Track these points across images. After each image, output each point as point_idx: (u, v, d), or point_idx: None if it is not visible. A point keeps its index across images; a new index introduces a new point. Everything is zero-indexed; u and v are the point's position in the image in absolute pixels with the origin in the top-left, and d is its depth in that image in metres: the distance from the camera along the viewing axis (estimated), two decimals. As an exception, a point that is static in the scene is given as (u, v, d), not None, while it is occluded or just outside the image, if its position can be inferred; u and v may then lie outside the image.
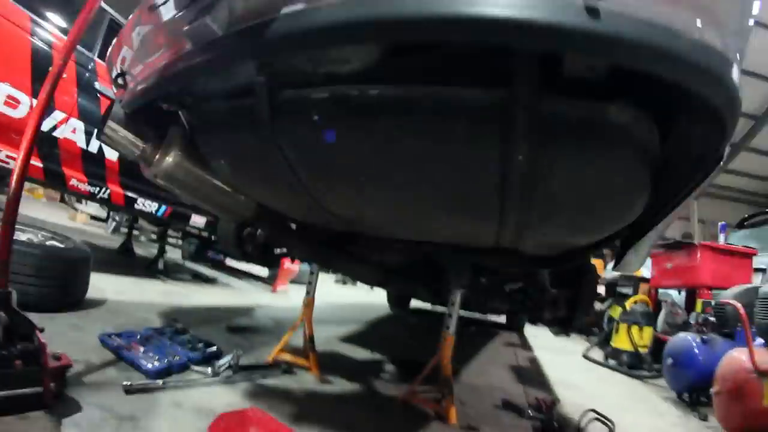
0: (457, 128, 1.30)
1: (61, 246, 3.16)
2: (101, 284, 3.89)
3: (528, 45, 1.00)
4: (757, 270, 6.11)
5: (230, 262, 8.38)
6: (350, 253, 2.98)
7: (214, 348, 2.85)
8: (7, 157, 3.53)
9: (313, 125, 1.44)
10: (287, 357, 3.03)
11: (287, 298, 6.57)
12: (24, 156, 1.76)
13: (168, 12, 1.49)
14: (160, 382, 2.22)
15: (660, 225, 1.66)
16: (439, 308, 5.83)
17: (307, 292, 3.27)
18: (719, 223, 8.01)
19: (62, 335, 2.53)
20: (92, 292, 3.40)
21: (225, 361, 2.59)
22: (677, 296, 7.36)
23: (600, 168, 1.32)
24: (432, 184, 1.56)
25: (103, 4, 4.37)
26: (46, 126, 3.82)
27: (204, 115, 1.82)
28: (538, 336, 7.55)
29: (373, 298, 8.87)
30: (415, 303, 7.42)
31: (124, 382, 2.06)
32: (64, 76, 3.91)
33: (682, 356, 4.28)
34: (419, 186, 1.59)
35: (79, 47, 4.11)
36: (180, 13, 1.42)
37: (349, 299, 8.36)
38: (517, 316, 7.08)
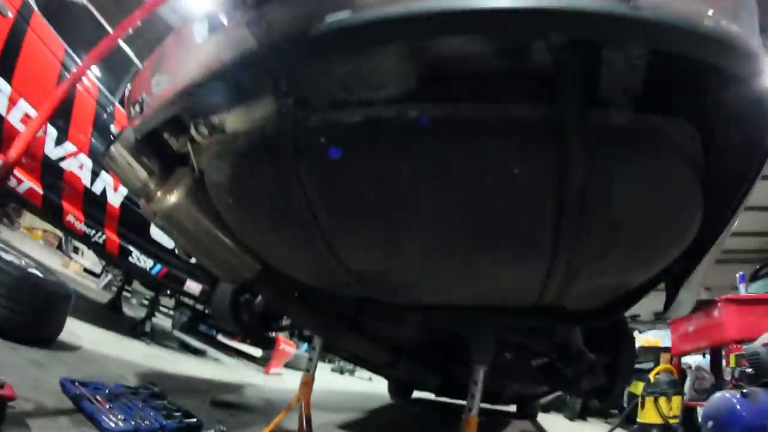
0: (507, 149, 1.22)
1: (41, 276, 2.80)
2: (79, 331, 3.47)
3: (580, 32, 1.00)
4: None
5: (222, 339, 7.90)
6: (358, 327, 2.62)
7: (194, 420, 2.38)
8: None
9: (343, 153, 1.32)
10: None
11: (281, 380, 6.05)
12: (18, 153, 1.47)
13: (199, 33, 1.42)
14: None
15: (714, 248, 1.55)
16: (443, 399, 5.27)
17: (307, 370, 2.89)
18: (738, 274, 7.74)
19: (20, 369, 2.19)
20: (66, 336, 3.03)
21: None
22: (701, 360, 7.03)
23: (656, 182, 1.29)
24: (476, 218, 1.40)
25: (133, 57, 4.56)
26: (54, 154, 3.73)
27: (217, 144, 1.64)
28: (552, 423, 7.00)
29: (373, 388, 8.13)
30: (416, 394, 6.74)
31: (75, 439, 1.68)
32: (82, 112, 3.97)
33: (723, 416, 3.83)
34: (462, 222, 1.42)
35: (102, 89, 4.16)
36: (215, 30, 1.35)
37: (348, 387, 7.67)
38: (530, 402, 6.43)
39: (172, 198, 1.77)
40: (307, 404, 2.74)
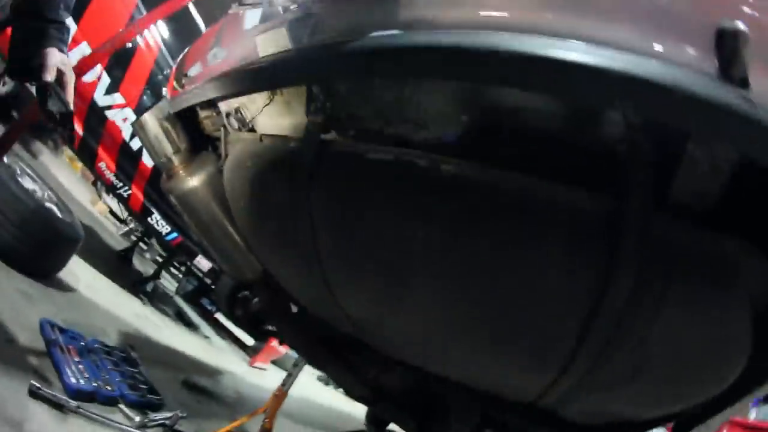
0: (545, 234, 1.05)
1: (58, 215, 2.82)
2: (79, 272, 3.45)
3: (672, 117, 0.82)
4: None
5: (220, 317, 7.89)
6: (344, 360, 2.49)
7: (157, 397, 2.32)
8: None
9: (360, 191, 1.18)
10: None
11: (262, 376, 5.95)
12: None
13: (251, 19, 1.36)
14: (74, 403, 1.77)
15: (741, 399, 1.40)
16: None
17: (283, 383, 2.81)
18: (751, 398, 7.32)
19: (7, 297, 2.18)
20: (66, 275, 3.02)
21: (161, 417, 2.09)
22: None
23: (710, 322, 1.10)
24: (489, 307, 1.21)
25: (201, 24, 4.56)
26: (102, 101, 3.79)
27: (242, 141, 1.58)
28: None
29: (352, 407, 7.93)
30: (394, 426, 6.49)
31: (33, 382, 1.70)
32: (139, 67, 4.03)
33: None
34: (471, 304, 1.24)
35: (164, 50, 4.20)
36: (265, 20, 1.28)
37: (327, 401, 7.49)
38: None
39: (192, 181, 1.74)
40: (272, 418, 2.65)
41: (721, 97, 0.75)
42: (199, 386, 3.26)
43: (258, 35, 1.21)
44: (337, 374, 2.55)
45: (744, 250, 1.05)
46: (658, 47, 0.80)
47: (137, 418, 1.98)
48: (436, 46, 0.87)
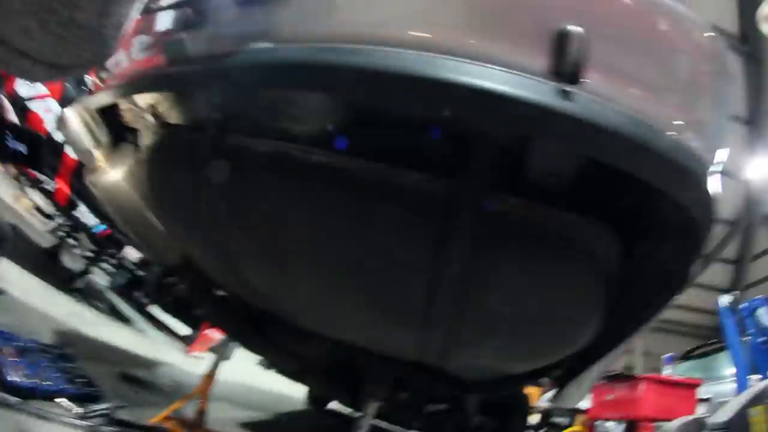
0: (393, 213, 1.22)
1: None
2: (10, 275, 3.46)
3: (505, 122, 0.94)
4: (702, 400, 6.04)
5: (154, 310, 7.79)
6: (266, 336, 2.67)
7: (95, 389, 2.45)
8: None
9: (248, 176, 1.37)
10: (172, 426, 2.60)
11: (199, 365, 5.92)
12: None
13: (161, 22, 1.46)
14: (14, 400, 1.88)
15: (609, 355, 1.53)
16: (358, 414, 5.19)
17: (213, 364, 2.95)
18: (665, 356, 8.05)
19: None
20: None
21: (101, 408, 2.21)
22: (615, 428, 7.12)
23: (549, 284, 1.24)
24: (355, 270, 1.41)
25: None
26: (24, 92, 3.77)
27: (155, 130, 1.70)
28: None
29: (293, 390, 8.03)
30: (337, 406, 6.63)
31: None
32: None
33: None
34: (340, 269, 1.44)
35: None
36: (166, 25, 1.40)
37: (266, 384, 7.58)
38: None
39: (113, 174, 1.80)
40: (205, 398, 2.79)
41: (532, 95, 0.84)
42: (137, 378, 3.39)
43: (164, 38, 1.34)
44: (263, 349, 2.76)
45: (586, 223, 1.17)
46: (496, 51, 0.90)
47: (77, 410, 2.12)
48: (287, 61, 1.00)
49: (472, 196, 1.13)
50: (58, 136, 3.91)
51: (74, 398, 2.22)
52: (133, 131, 1.87)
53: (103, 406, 2.25)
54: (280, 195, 1.35)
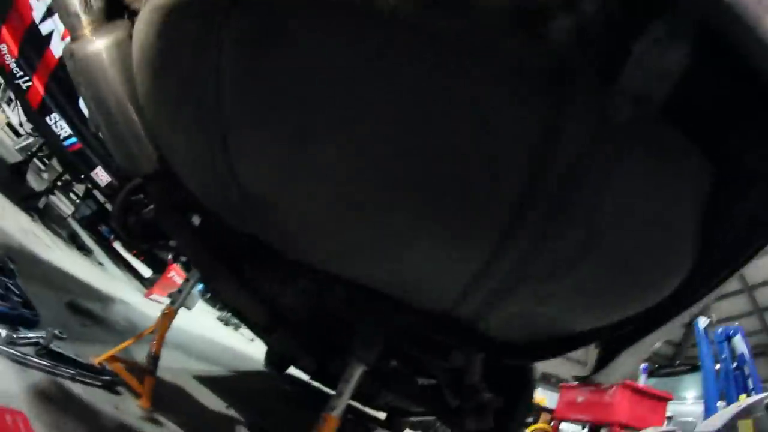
0: (492, 76, 0.94)
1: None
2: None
3: None
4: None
5: (118, 247, 7.46)
6: (241, 273, 2.30)
7: (32, 312, 2.11)
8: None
9: (278, 26, 1.04)
10: (118, 368, 2.28)
11: (157, 309, 5.62)
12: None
13: None
14: None
15: (676, 317, 1.34)
16: (317, 385, 4.96)
17: (172, 301, 2.60)
18: (641, 365, 8.44)
19: None
20: None
21: (35, 334, 1.89)
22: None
23: (653, 202, 1.06)
24: (415, 159, 1.07)
25: None
26: None
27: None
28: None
29: (252, 350, 7.76)
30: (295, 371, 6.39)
31: None
32: None
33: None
34: (393, 158, 1.09)
35: None
36: None
37: (226, 341, 7.30)
38: (401, 417, 5.59)
39: (98, 43, 1.58)
40: (160, 339, 2.48)
41: None
42: (86, 309, 3.04)
43: None
44: (232, 292, 2.38)
45: (688, 146, 1.02)
46: None
47: (4, 333, 1.79)
48: None
49: (592, 77, 0.91)
50: (45, 27, 3.58)
51: (4, 319, 1.89)
52: (132, 12, 1.63)
53: (39, 333, 1.93)
54: (322, 45, 1.03)
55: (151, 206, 2.36)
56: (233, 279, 2.27)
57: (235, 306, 2.88)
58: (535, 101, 0.94)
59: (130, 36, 1.54)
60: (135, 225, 2.46)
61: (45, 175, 8.30)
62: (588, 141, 0.95)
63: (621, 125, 0.94)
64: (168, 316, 2.53)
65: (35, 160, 7.33)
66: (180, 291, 2.61)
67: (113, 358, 2.30)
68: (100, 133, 2.29)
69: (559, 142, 0.95)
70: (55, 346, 1.97)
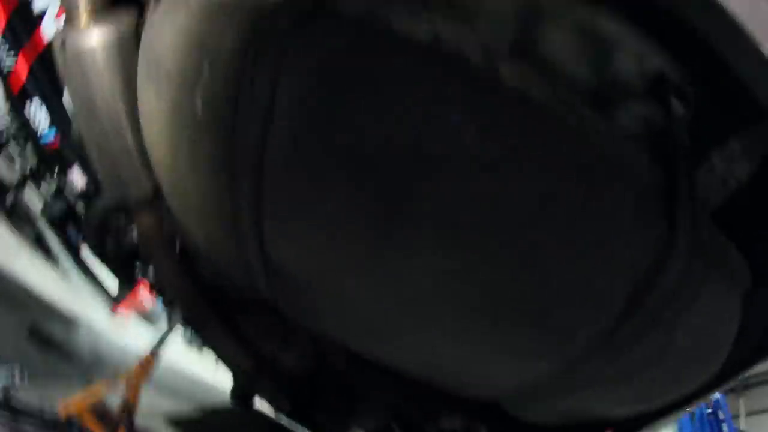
0: (615, 187, 0.95)
1: None
2: None
3: None
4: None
5: (85, 254, 7.09)
6: (234, 325, 2.03)
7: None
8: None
9: (366, 69, 0.88)
10: (89, 421, 2.03)
11: (124, 329, 5.41)
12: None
13: None
14: None
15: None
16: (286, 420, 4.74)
17: (152, 350, 2.45)
18: None
19: None
20: None
21: None
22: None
23: (718, 318, 1.12)
24: (523, 265, 1.01)
25: None
26: None
27: None
28: None
29: (221, 378, 7.33)
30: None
31: None
32: None
33: None
34: (504, 258, 1.00)
35: None
36: None
37: (194, 368, 6.93)
38: None
39: (95, 37, 1.35)
40: (135, 392, 2.26)
41: None
42: (49, 338, 2.75)
43: None
44: (218, 339, 2.12)
45: (739, 254, 1.08)
46: None
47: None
48: None
49: (689, 193, 0.94)
50: (38, 5, 3.35)
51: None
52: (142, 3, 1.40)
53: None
54: (434, 102, 0.88)
55: (133, 231, 2.07)
56: (221, 328, 2.01)
57: (218, 354, 2.60)
58: (656, 221, 0.96)
59: (137, 34, 1.31)
60: (113, 251, 2.15)
61: (17, 167, 7.88)
62: (687, 255, 0.97)
63: (705, 238, 0.99)
64: (146, 365, 2.31)
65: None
66: (161, 340, 2.36)
67: (83, 407, 2.00)
68: (85, 147, 1.98)
69: (670, 257, 0.96)
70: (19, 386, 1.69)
